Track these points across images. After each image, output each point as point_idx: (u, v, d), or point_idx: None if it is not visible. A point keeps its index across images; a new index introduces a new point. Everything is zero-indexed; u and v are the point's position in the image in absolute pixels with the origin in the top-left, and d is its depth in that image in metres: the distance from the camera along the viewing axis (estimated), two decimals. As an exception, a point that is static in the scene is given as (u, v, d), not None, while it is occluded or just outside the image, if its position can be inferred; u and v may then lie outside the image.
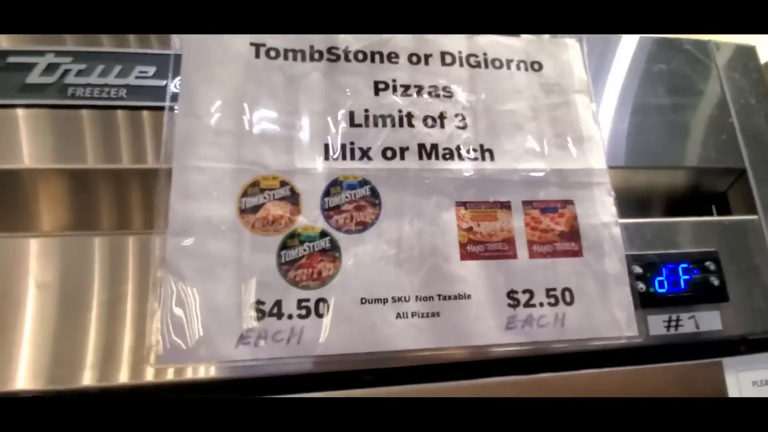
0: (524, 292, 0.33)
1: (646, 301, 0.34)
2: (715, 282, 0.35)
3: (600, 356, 0.34)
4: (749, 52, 0.45)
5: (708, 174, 0.42)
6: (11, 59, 0.34)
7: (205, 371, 0.29)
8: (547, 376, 0.33)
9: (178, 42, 0.34)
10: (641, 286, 0.34)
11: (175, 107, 0.33)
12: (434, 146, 0.35)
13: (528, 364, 0.33)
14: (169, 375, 0.29)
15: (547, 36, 0.40)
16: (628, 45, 0.43)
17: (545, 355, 0.33)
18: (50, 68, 0.33)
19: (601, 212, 0.35)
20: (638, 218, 0.38)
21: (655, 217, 0.42)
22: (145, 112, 0.33)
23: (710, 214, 0.44)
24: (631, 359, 0.34)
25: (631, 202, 0.42)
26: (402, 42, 0.38)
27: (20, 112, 0.32)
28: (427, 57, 0.38)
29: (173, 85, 0.33)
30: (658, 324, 0.34)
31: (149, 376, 0.28)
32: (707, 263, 0.36)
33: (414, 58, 0.37)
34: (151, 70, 0.34)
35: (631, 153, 0.40)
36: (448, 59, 0.38)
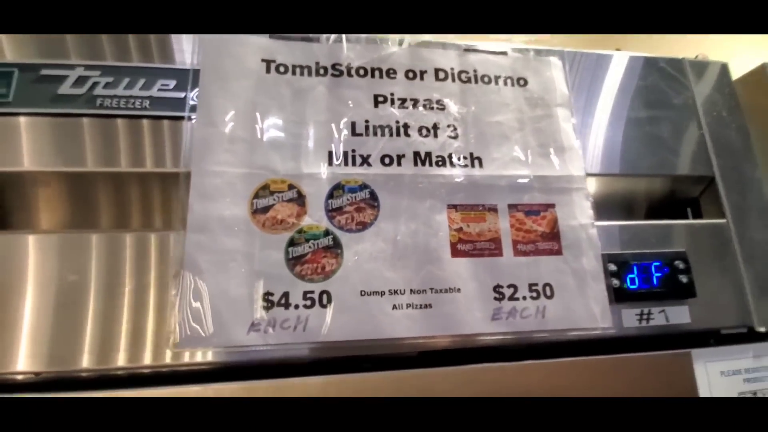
0: (509, 286, 0.36)
1: (620, 296, 0.37)
2: (684, 279, 0.39)
3: (578, 346, 0.37)
4: (722, 69, 0.48)
5: (682, 181, 0.46)
6: (44, 71, 0.37)
7: (218, 356, 0.32)
8: (529, 363, 0.36)
9: (197, 57, 0.38)
10: (615, 282, 0.38)
11: (193, 117, 0.36)
12: (428, 154, 0.39)
13: (512, 352, 0.36)
14: (187, 358, 0.32)
15: (532, 54, 0.44)
16: (609, 62, 0.47)
17: (527, 344, 0.36)
18: (80, 80, 0.37)
19: (579, 215, 0.39)
20: (617, 221, 0.41)
21: (637, 220, 0.46)
22: (166, 122, 0.37)
23: (686, 217, 0.47)
24: (606, 349, 0.37)
25: (613, 207, 0.46)
26: (399, 59, 0.41)
27: (52, 120, 0.35)
28: (422, 73, 0.41)
29: (192, 97, 0.37)
30: (631, 317, 0.38)
31: (168, 358, 0.32)
32: (677, 262, 0.39)
33: (410, 74, 0.41)
34: (172, 83, 0.38)
35: (611, 162, 0.44)
36: (442, 75, 0.42)
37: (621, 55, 0.47)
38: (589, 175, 0.41)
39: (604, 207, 0.42)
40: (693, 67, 0.47)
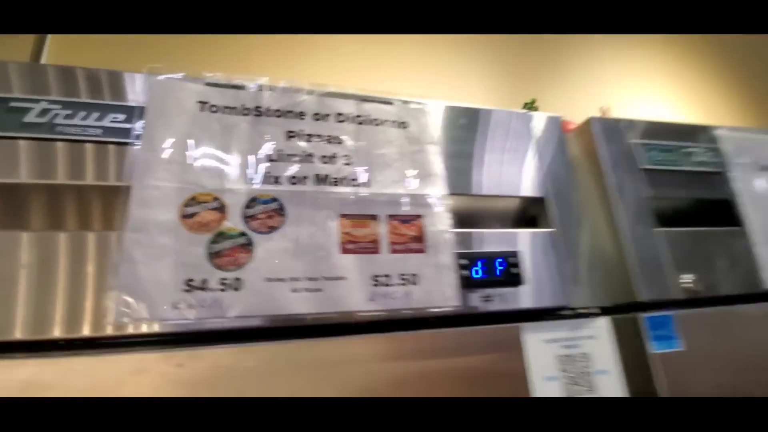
0: (384, 276, 0.48)
1: (468, 284, 0.50)
2: (516, 271, 0.52)
3: (439, 320, 0.49)
4: (555, 120, 0.65)
5: (526, 201, 0.61)
6: (12, 104, 0.46)
7: (149, 327, 0.41)
8: (400, 333, 0.47)
9: (144, 97, 0.48)
10: (465, 273, 0.50)
11: (138, 144, 0.46)
12: (327, 176, 0.51)
13: (387, 325, 0.47)
14: (122, 330, 0.40)
15: (413, 104, 0.58)
16: (472, 113, 0.62)
17: (398, 319, 0.47)
18: (43, 112, 0.46)
19: (439, 223, 0.52)
20: (473, 229, 0.55)
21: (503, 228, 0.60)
22: (114, 147, 0.46)
23: (535, 226, 0.62)
24: (458, 322, 0.49)
25: (479, 219, 0.60)
26: (309, 105, 0.54)
27: (20, 143, 0.44)
28: (325, 116, 0.54)
29: (137, 128, 0.47)
30: (475, 299, 0.50)
31: (108, 330, 0.40)
32: (511, 258, 0.53)
33: (317, 116, 0.54)
34: (122, 117, 0.48)
35: (471, 184, 0.58)
36: (341, 118, 0.54)
37: (485, 109, 0.63)
38: (452, 194, 0.55)
39: (464, 219, 0.56)
40: (534, 119, 0.64)
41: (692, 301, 0.60)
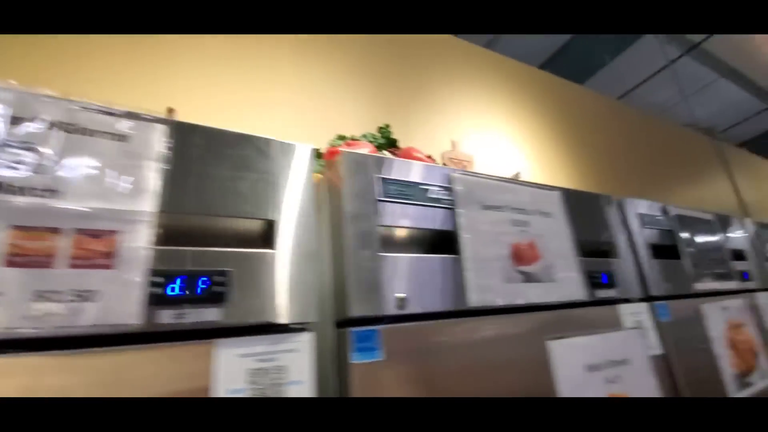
0: (52, 292, 0.46)
1: (161, 301, 0.51)
2: (220, 290, 0.55)
3: (129, 337, 0.49)
4: (299, 148, 0.71)
5: (252, 222, 0.64)
6: None
7: None
8: (64, 352, 0.46)
9: None
10: (157, 290, 0.51)
11: None
12: (7, 185, 0.47)
13: (54, 343, 0.46)
14: None
15: (140, 118, 0.58)
16: (210, 131, 0.65)
17: (69, 336, 0.46)
18: None
19: (138, 240, 0.52)
20: (193, 247, 0.56)
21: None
22: None
23: (260, 247, 0.66)
24: (150, 339, 0.50)
25: (202, 237, 0.61)
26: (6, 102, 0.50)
27: None
28: (31, 119, 0.51)
29: None
30: (167, 316, 0.52)
31: None
32: (217, 277, 0.55)
33: (15, 120, 0.50)
34: None
35: (199, 204, 0.59)
36: (44, 123, 0.52)
37: (228, 131, 0.66)
38: (168, 212, 0.56)
39: (193, 237, 0.57)
40: (279, 147, 0.69)
41: (402, 317, 0.70)
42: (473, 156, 2.34)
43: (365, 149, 1.65)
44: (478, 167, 2.31)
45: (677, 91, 4.55)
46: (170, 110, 1.46)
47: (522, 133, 2.85)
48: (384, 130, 1.95)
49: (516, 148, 2.73)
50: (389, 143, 1.92)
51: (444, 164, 2.09)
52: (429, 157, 1.85)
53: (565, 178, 2.87)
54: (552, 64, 3.75)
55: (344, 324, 0.65)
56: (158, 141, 0.58)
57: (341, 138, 1.82)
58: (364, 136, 1.88)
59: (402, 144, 1.92)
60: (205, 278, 0.55)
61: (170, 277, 0.53)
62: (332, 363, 0.66)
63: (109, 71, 1.45)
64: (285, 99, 1.89)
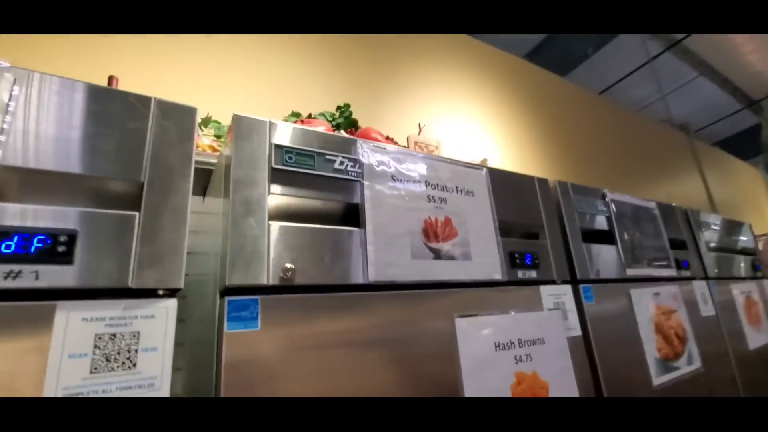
0: None
1: (-9, 258, 0.48)
2: (63, 249, 0.52)
3: None
4: (184, 109, 0.68)
5: (114, 182, 0.61)
6: None
7: None
8: None
9: None
10: (-11, 246, 0.48)
11: None
12: None
13: None
14: None
15: (-10, 66, 0.54)
16: (71, 83, 0.61)
17: None
18: None
19: (-33, 193, 0.49)
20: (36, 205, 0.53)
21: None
22: None
23: (124, 208, 0.63)
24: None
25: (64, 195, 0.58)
26: None
27: None
28: None
29: None
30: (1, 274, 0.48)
31: None
32: (61, 237, 0.52)
33: None
34: None
35: (54, 159, 0.56)
36: None
37: (91, 85, 0.62)
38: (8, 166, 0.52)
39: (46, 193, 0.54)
40: (159, 105, 0.65)
41: (289, 288, 0.68)
42: (441, 141, 2.31)
43: (321, 127, 1.61)
44: (446, 152, 2.29)
45: (656, 88, 4.58)
46: (111, 78, 1.41)
47: (496, 121, 2.83)
48: (343, 110, 1.91)
49: (488, 136, 2.71)
50: (349, 123, 1.88)
51: (406, 146, 2.06)
52: (389, 138, 1.82)
53: (536, 166, 2.87)
54: (537, 55, 3.73)
55: (226, 293, 0.63)
56: (3, 90, 0.54)
57: (295, 115, 1.78)
58: (322, 114, 1.84)
59: (365, 125, 1.88)
60: (43, 236, 0.51)
61: (7, 234, 0.49)
62: (208, 329, 0.63)
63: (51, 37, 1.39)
64: (241, 72, 1.84)
